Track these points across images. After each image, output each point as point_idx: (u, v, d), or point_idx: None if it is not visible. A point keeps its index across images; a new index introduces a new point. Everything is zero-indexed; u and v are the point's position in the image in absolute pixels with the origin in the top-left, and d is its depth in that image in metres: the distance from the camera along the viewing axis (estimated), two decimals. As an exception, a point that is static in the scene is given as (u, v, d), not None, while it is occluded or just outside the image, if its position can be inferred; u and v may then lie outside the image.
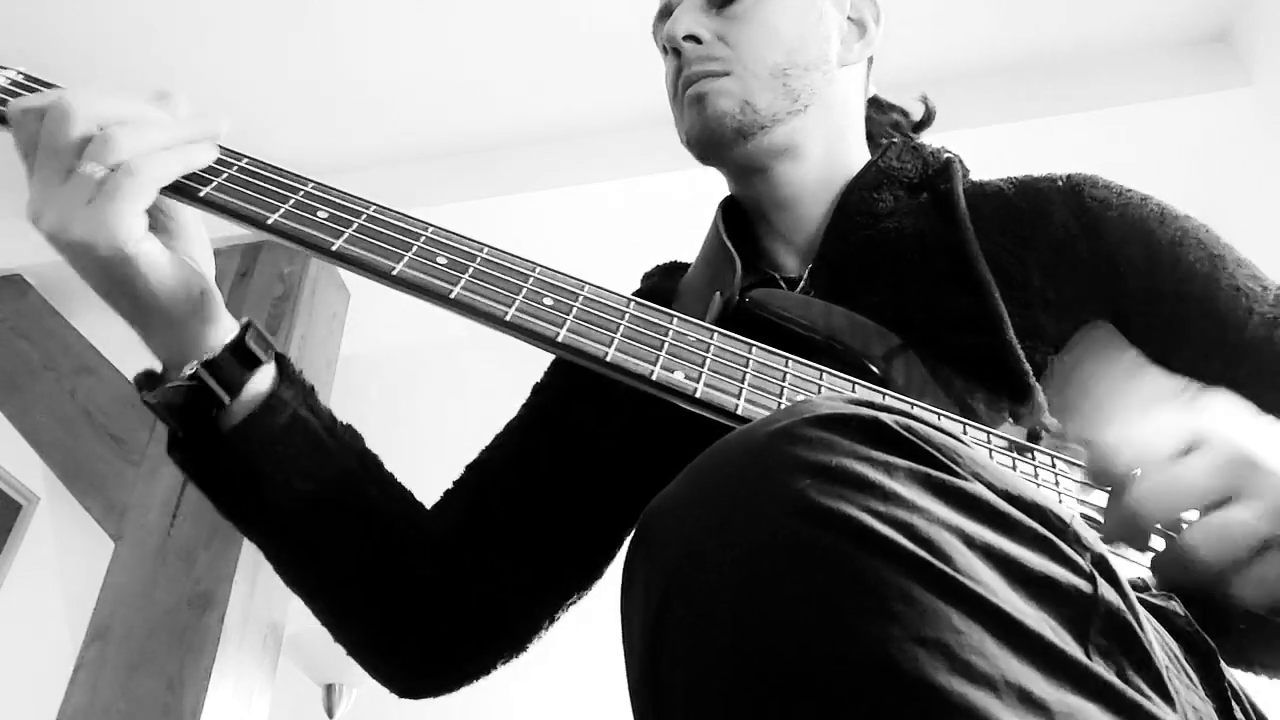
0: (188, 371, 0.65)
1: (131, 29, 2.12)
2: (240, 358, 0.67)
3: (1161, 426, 0.52)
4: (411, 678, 0.81)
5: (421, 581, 0.77)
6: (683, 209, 1.90)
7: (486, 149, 2.41)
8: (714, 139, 0.82)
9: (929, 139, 0.96)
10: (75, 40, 2.11)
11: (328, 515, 0.72)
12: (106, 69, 2.14)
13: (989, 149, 2.06)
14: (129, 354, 2.34)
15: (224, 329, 0.67)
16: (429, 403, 2.97)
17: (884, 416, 0.40)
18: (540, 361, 0.89)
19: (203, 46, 2.17)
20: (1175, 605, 0.46)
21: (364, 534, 0.74)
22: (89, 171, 0.58)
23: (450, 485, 0.86)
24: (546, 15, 2.14)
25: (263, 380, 0.70)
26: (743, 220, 0.89)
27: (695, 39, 0.82)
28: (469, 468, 0.87)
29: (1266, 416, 0.58)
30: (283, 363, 0.72)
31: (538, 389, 0.92)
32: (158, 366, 0.68)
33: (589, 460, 0.83)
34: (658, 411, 0.64)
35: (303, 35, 2.17)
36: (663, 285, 0.91)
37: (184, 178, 0.63)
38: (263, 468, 0.69)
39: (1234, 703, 0.43)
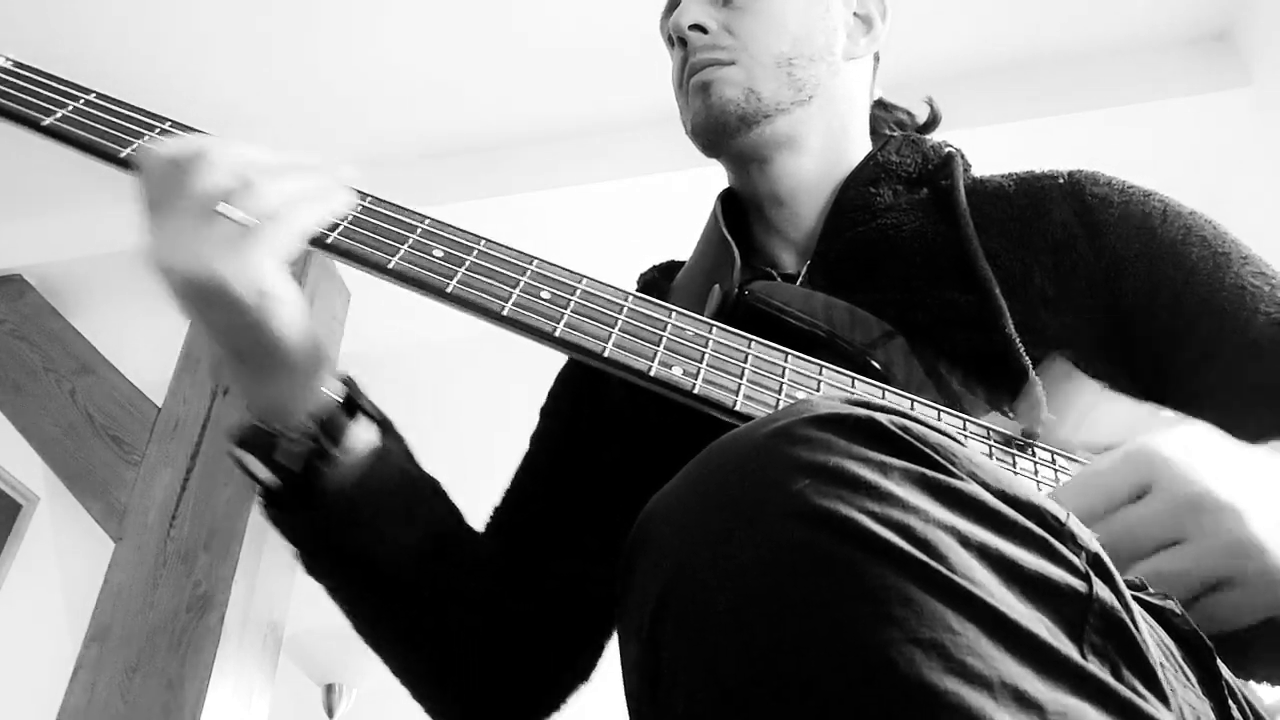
0: (304, 426, 0.64)
1: (110, 27, 2.11)
2: (346, 410, 0.67)
3: (1113, 465, 0.53)
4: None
5: (510, 615, 0.76)
6: (683, 209, 1.90)
7: (486, 149, 2.40)
8: (718, 127, 0.82)
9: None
10: (52, 40, 2.09)
11: (431, 563, 0.72)
12: (83, 68, 2.13)
13: (989, 149, 2.05)
14: (129, 354, 2.34)
15: (329, 383, 0.67)
16: (428, 403, 2.97)
17: (880, 416, 0.40)
18: (541, 363, 0.88)
19: (184, 44, 2.16)
20: (1172, 604, 0.46)
21: (462, 578, 0.74)
22: (234, 216, 0.58)
23: (490, 515, 0.86)
24: (547, 15, 2.14)
25: (367, 432, 0.69)
26: (741, 215, 0.89)
27: (701, 28, 0.83)
28: (504, 495, 0.87)
29: (1242, 439, 0.57)
30: (379, 413, 0.71)
31: (545, 413, 0.91)
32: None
33: (607, 474, 0.82)
34: (655, 408, 0.64)
35: (301, 30, 2.17)
36: (660, 283, 0.91)
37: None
38: (375, 522, 0.68)
39: (1231, 701, 0.42)
